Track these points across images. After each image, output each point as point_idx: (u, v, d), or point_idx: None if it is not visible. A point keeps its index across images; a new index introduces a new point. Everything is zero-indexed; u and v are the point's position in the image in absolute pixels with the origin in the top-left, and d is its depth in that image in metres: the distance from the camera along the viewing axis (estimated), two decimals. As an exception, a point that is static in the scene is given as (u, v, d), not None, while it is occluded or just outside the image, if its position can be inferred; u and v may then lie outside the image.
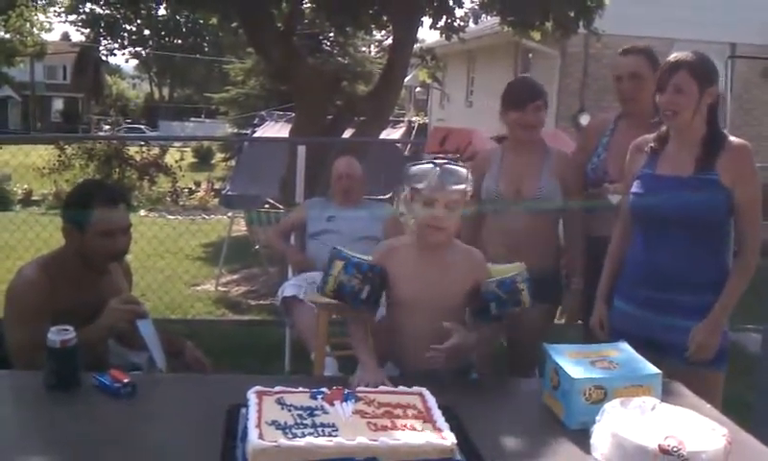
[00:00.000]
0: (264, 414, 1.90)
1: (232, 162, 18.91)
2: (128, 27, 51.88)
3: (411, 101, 28.55)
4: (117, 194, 2.92)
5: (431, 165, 2.55)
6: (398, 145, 11.35)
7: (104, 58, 57.14)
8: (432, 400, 2.05)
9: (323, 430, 1.83)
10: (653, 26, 10.74)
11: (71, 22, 51.29)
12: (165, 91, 60.54)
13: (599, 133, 3.63)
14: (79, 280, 2.76)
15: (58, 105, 53.17)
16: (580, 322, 3.56)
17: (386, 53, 11.89)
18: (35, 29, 33.90)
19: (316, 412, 1.94)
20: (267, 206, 8.63)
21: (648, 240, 2.88)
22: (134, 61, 59.57)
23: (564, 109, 13.06)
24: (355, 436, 1.80)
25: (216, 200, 15.24)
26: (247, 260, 9.13)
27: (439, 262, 2.62)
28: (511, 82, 3.74)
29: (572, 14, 7.68)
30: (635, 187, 2.92)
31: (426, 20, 8.07)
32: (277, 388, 2.07)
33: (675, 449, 1.73)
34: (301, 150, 6.15)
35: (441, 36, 8.50)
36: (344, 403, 2.01)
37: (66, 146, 16.09)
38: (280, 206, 7.87)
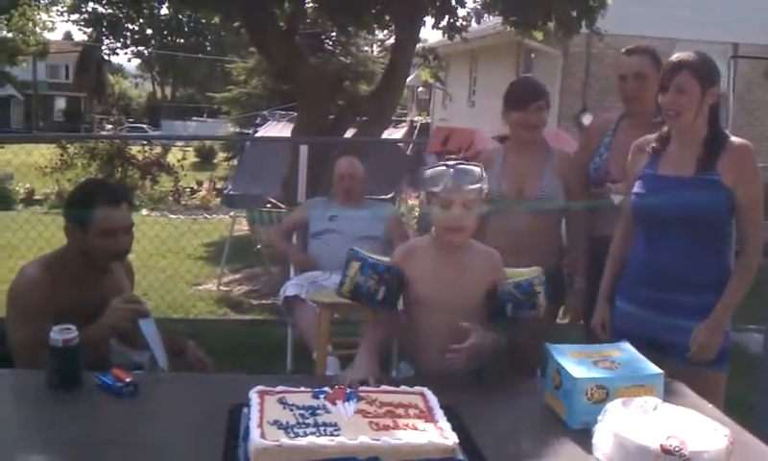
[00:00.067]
0: (266, 413, 1.90)
1: (234, 162, 18.90)
2: (130, 26, 51.82)
3: (413, 101, 28.56)
4: (119, 193, 2.92)
5: (444, 167, 2.55)
6: (401, 145, 11.33)
7: (106, 57, 57.16)
8: (434, 400, 2.05)
9: (325, 430, 1.83)
10: (655, 26, 10.74)
11: (74, 21, 51.38)
12: (167, 91, 60.56)
13: (601, 132, 3.63)
14: (81, 280, 2.76)
15: (60, 104, 53.25)
16: (582, 322, 3.56)
17: (388, 52, 11.90)
18: (37, 28, 33.94)
19: (318, 411, 1.94)
20: (269, 205, 8.63)
21: (650, 240, 2.88)
22: (137, 61, 59.55)
23: (566, 109, 13.05)
24: (357, 435, 1.80)
25: (218, 199, 15.24)
26: (249, 260, 9.13)
27: (457, 263, 2.63)
28: (513, 82, 3.74)
29: (574, 14, 7.68)
30: (636, 187, 2.92)
31: (429, 20, 8.07)
32: (279, 387, 2.07)
33: (677, 449, 1.73)
34: (303, 149, 6.15)
35: (443, 35, 8.50)
36: (346, 403, 2.01)
37: (68, 145, 16.11)
38: (282, 206, 7.88)
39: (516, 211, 3.42)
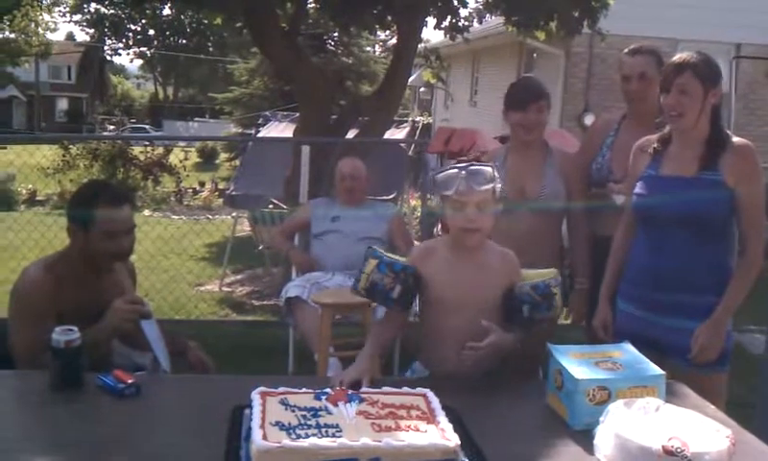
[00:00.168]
0: (268, 415, 1.90)
1: (237, 162, 18.92)
2: (132, 27, 51.99)
3: (415, 101, 28.58)
4: (122, 194, 2.93)
5: (456, 170, 2.55)
6: (403, 145, 11.32)
7: (108, 58, 57.34)
8: (436, 401, 2.06)
9: (326, 431, 1.84)
10: (657, 26, 10.73)
11: (76, 22, 51.65)
12: (170, 91, 60.62)
13: (603, 133, 3.63)
14: (83, 281, 2.77)
15: (62, 105, 53.30)
16: (583, 323, 3.56)
17: (390, 53, 11.89)
18: (39, 29, 34.05)
19: (320, 413, 1.95)
20: (271, 206, 8.63)
21: (651, 241, 2.88)
22: (139, 61, 59.64)
23: (568, 110, 13.04)
24: (359, 437, 1.80)
25: (220, 200, 15.24)
26: (251, 261, 9.14)
27: (474, 264, 2.63)
28: (513, 82, 3.74)
29: (576, 14, 7.67)
30: (638, 188, 2.92)
31: (431, 20, 8.06)
32: (281, 389, 2.07)
33: (679, 450, 1.73)
34: (306, 150, 6.15)
35: (445, 36, 8.49)
36: (347, 404, 2.01)
37: (71, 146, 16.12)
38: (284, 207, 7.88)
39: (517, 212, 3.42)
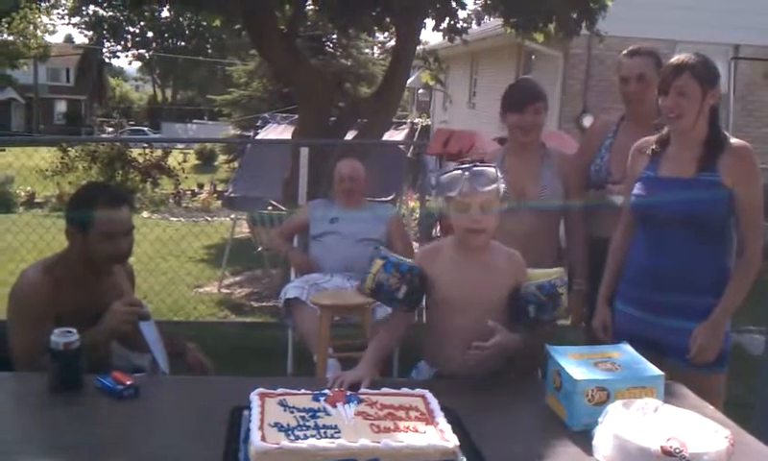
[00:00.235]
0: (267, 416, 1.91)
1: (235, 164, 18.93)
2: (131, 29, 52.02)
3: (414, 103, 28.57)
4: (120, 196, 2.93)
5: (460, 171, 2.56)
6: (401, 147, 11.33)
7: (107, 60, 57.32)
8: (434, 402, 2.06)
9: (325, 432, 1.84)
10: (656, 27, 10.74)
11: (74, 24, 51.56)
12: (168, 93, 60.63)
13: (602, 134, 3.63)
14: (82, 283, 2.76)
15: (61, 107, 53.27)
16: (582, 324, 3.56)
17: (389, 54, 11.90)
18: (38, 31, 34.03)
19: (318, 414, 1.95)
20: (270, 207, 8.64)
21: (650, 242, 2.88)
22: (138, 64, 59.71)
23: (567, 111, 13.05)
24: (358, 438, 1.80)
25: (219, 202, 15.26)
26: (249, 262, 9.14)
27: (479, 264, 2.64)
28: (510, 84, 3.73)
29: (575, 16, 7.68)
30: (636, 189, 2.92)
31: (429, 22, 8.06)
32: (280, 390, 2.07)
33: (677, 451, 1.74)
34: (304, 152, 6.15)
35: (443, 37, 8.50)
36: (346, 405, 2.02)
37: (69, 148, 16.14)
38: (283, 208, 7.88)
39: (517, 213, 3.42)
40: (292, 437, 1.80)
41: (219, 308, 7.53)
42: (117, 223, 2.79)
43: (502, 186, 2.58)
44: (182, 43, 53.57)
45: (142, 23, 50.38)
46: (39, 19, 32.17)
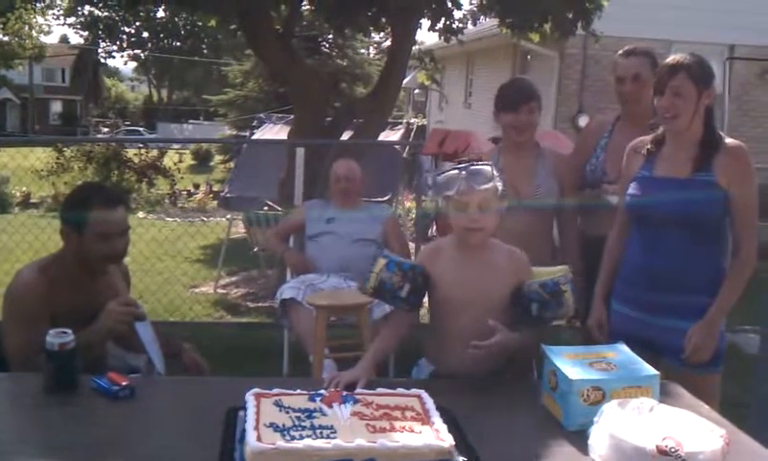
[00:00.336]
0: (262, 416, 1.91)
1: (231, 164, 18.92)
2: (126, 29, 52.00)
3: (409, 103, 28.55)
4: (115, 196, 2.92)
5: (456, 171, 2.57)
6: (397, 147, 11.32)
7: (102, 60, 57.34)
8: (430, 402, 2.06)
9: (321, 432, 1.84)
10: (651, 27, 10.76)
11: (70, 25, 51.61)
12: (164, 93, 60.58)
13: (597, 134, 3.64)
14: (77, 283, 2.76)
15: (56, 107, 53.16)
16: (578, 324, 3.56)
17: (384, 55, 11.90)
18: (33, 31, 33.96)
19: (314, 414, 1.95)
20: (266, 208, 8.63)
21: (645, 241, 2.89)
22: (133, 64, 59.75)
23: (562, 111, 13.06)
24: (354, 438, 1.80)
25: (215, 202, 15.26)
26: (245, 263, 9.13)
27: (481, 263, 2.64)
28: (503, 84, 3.71)
29: (570, 16, 7.68)
30: (632, 189, 2.92)
31: (425, 22, 8.07)
32: (276, 390, 2.07)
33: (673, 450, 1.74)
34: (300, 152, 6.15)
35: (439, 37, 8.50)
36: (342, 405, 2.02)
37: (65, 148, 16.14)
38: (279, 208, 7.88)
39: (513, 212, 3.42)
40: (288, 437, 1.80)
41: (215, 309, 7.52)
42: (112, 223, 2.78)
43: (499, 185, 2.58)
44: (178, 43, 53.56)
45: (137, 23, 50.37)
46: (35, 20, 32.09)
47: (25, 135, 40.20)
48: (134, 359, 2.89)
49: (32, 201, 15.92)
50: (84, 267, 2.79)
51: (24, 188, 16.03)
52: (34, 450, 1.93)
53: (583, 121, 11.74)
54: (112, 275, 2.93)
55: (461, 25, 8.39)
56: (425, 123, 22.80)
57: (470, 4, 8.81)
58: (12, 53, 34.34)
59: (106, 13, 47.46)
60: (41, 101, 50.49)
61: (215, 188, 17.41)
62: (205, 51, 50.70)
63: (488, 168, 2.59)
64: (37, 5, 26.22)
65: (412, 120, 23.35)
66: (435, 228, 8.85)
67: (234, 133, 25.11)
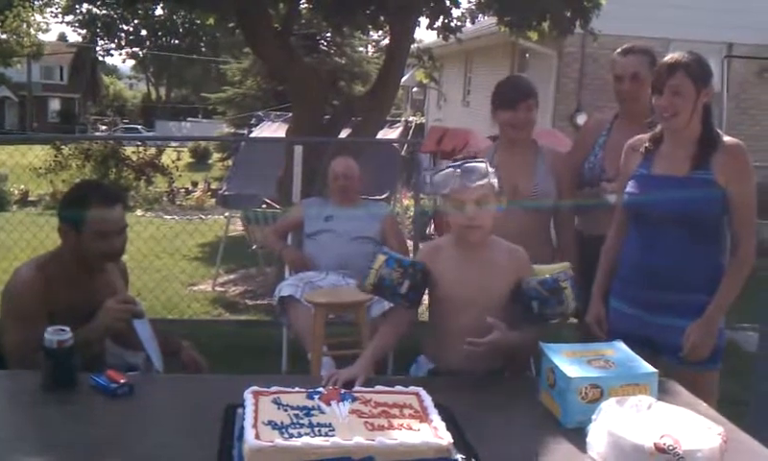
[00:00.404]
0: (261, 414, 1.90)
1: (229, 162, 18.89)
2: (124, 27, 51.89)
3: (408, 101, 28.56)
4: (114, 194, 2.93)
5: (451, 169, 2.58)
6: (395, 145, 11.32)
7: (100, 58, 57.24)
8: (428, 400, 2.06)
9: (319, 430, 1.84)
10: (650, 26, 10.76)
11: (68, 22, 51.49)
12: (162, 91, 60.51)
13: (595, 132, 3.64)
14: (75, 281, 2.76)
15: (54, 105, 53.09)
16: (575, 320, 3.56)
17: (383, 53, 11.88)
18: (31, 29, 33.92)
19: (312, 412, 1.95)
20: (264, 205, 8.62)
21: (643, 239, 2.89)
22: (131, 62, 59.63)
23: (561, 109, 13.07)
24: (352, 436, 1.80)
25: (213, 200, 15.25)
26: (244, 260, 9.12)
27: (481, 260, 2.65)
28: (500, 81, 3.69)
29: (569, 14, 7.68)
30: (630, 187, 2.92)
31: (423, 20, 8.06)
32: (274, 388, 2.07)
33: (671, 448, 1.74)
34: (298, 150, 6.15)
35: (438, 36, 8.50)
36: (340, 403, 2.02)
37: (63, 146, 16.11)
38: (277, 206, 7.87)
39: (510, 210, 3.41)
40: (286, 435, 1.80)
41: (213, 306, 7.52)
42: (110, 221, 2.78)
43: (495, 181, 2.58)
44: (176, 41, 53.47)
45: (136, 21, 50.26)
46: (33, 17, 32.03)
47: (23, 133, 40.14)
48: (133, 357, 2.89)
49: (30, 199, 15.91)
50: (82, 265, 2.79)
51: (22, 186, 16.02)
52: (32, 448, 1.93)
53: (581, 119, 11.74)
54: (110, 272, 2.93)
55: (459, 23, 8.38)
56: (424, 121, 22.78)
57: (469, 2, 8.80)
58: (11, 51, 34.32)
59: (104, 11, 47.31)
60: (39, 99, 50.41)
61: (213, 186, 17.40)
62: (204, 49, 50.63)
63: (482, 165, 2.59)
64: (35, 3, 26.19)
65: (410, 118, 23.32)
66: (433, 226, 8.86)
67: (233, 130, 25.07)
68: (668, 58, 2.79)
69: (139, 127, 47.12)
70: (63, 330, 2.28)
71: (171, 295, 7.50)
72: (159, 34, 53.53)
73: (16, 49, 34.56)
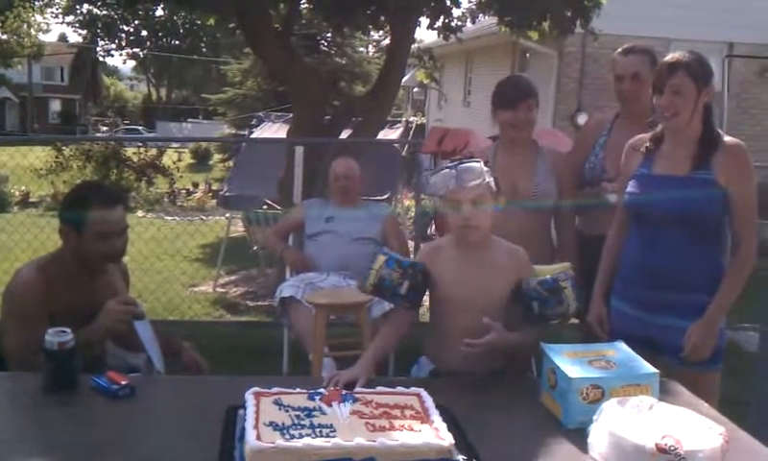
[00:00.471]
0: (262, 415, 1.90)
1: (230, 163, 18.90)
2: (125, 28, 51.93)
3: (408, 101, 28.55)
4: (114, 195, 2.92)
5: (448, 170, 2.58)
6: (396, 145, 11.32)
7: (101, 59, 57.28)
8: (429, 401, 2.06)
9: (320, 431, 1.84)
10: (650, 25, 10.75)
11: (68, 23, 51.52)
12: (163, 92, 60.53)
13: (596, 132, 3.64)
14: (76, 282, 2.76)
15: (55, 106, 53.10)
16: (576, 321, 3.56)
17: (383, 53, 11.89)
18: (32, 30, 33.94)
19: (314, 413, 1.95)
20: (265, 206, 8.63)
21: (644, 239, 2.88)
22: (132, 63, 59.71)
23: (561, 109, 13.06)
24: (353, 437, 1.80)
25: (214, 201, 15.25)
26: (245, 261, 9.13)
27: (481, 261, 2.65)
28: (500, 81, 3.69)
29: (569, 14, 7.68)
30: (630, 187, 2.92)
31: (424, 20, 8.06)
32: (275, 389, 2.07)
33: (672, 448, 1.74)
34: (299, 150, 6.15)
35: (438, 36, 8.50)
36: (341, 404, 2.02)
37: (64, 147, 16.12)
38: (278, 207, 7.87)
39: (509, 210, 3.41)
40: (287, 436, 1.80)
41: (214, 308, 7.52)
42: (111, 222, 2.78)
43: (491, 180, 2.58)
44: (177, 42, 53.50)
45: (136, 22, 50.28)
46: (33, 18, 32.04)
47: (24, 134, 40.20)
48: (134, 358, 2.89)
49: (31, 200, 15.91)
50: (83, 266, 2.79)
51: (23, 187, 16.02)
52: (33, 450, 1.93)
53: (582, 119, 11.73)
54: (111, 274, 2.93)
55: (460, 23, 8.38)
56: (424, 121, 22.78)
57: (469, 2, 8.79)
58: (11, 51, 34.34)
59: (104, 12, 47.35)
60: (40, 100, 50.43)
61: (214, 187, 17.39)
62: (204, 49, 50.65)
63: (477, 165, 2.59)
64: (36, 3, 26.18)
65: (411, 118, 23.33)
66: (434, 227, 8.85)
67: (233, 131, 25.10)
68: (669, 57, 2.79)
69: (140, 128, 47.15)
70: (64, 332, 2.28)
71: (172, 296, 7.50)
72: (160, 34, 53.57)
73: (17, 50, 34.58)
